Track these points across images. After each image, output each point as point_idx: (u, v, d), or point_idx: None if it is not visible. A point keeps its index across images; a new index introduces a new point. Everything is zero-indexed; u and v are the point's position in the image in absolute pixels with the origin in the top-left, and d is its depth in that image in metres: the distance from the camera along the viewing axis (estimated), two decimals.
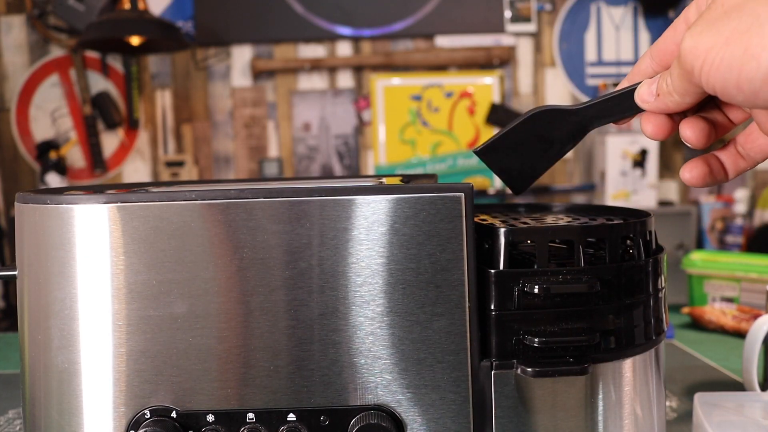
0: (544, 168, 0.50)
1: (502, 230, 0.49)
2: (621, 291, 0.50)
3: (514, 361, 0.48)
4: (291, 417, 0.49)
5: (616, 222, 0.53)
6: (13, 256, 0.51)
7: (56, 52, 2.68)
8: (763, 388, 0.77)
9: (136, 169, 2.72)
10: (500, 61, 2.68)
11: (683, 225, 2.51)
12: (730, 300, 1.21)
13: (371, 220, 0.48)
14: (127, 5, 2.22)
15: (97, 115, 2.67)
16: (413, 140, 2.70)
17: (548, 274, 0.48)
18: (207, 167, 2.71)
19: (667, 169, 2.73)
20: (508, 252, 0.49)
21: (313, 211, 0.48)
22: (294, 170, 2.72)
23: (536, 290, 0.47)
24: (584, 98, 2.72)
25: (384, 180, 0.64)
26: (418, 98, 2.69)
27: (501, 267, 0.49)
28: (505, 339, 0.49)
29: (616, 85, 2.54)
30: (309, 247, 0.48)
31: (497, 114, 2.68)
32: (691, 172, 0.45)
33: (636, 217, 0.57)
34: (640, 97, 0.45)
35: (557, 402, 0.49)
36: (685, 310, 1.18)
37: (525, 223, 0.57)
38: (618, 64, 2.72)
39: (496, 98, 2.69)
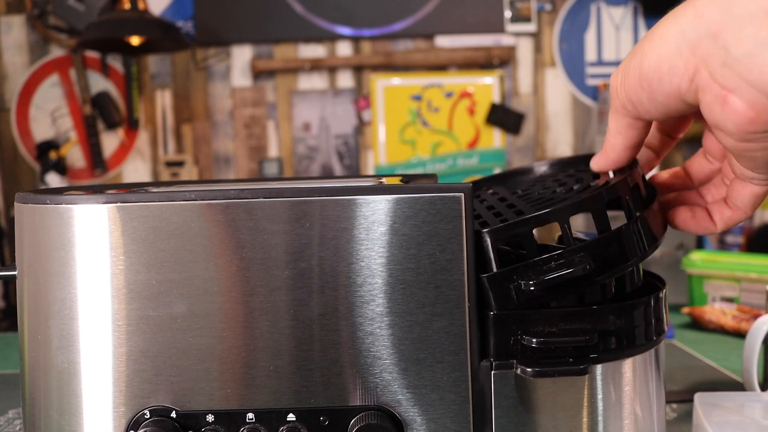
0: None
1: (485, 231, 0.49)
2: (615, 261, 0.49)
3: (514, 361, 0.48)
4: (291, 417, 0.49)
5: (597, 191, 0.50)
6: (13, 256, 0.51)
7: (56, 52, 2.68)
8: (763, 388, 0.77)
9: (136, 169, 2.72)
10: (500, 61, 2.68)
11: None
12: (730, 300, 1.21)
13: (371, 220, 0.48)
14: (127, 5, 2.22)
15: (97, 115, 2.67)
16: (413, 140, 2.70)
17: (539, 264, 0.48)
18: (207, 167, 2.72)
19: (666, 168, 2.73)
20: (496, 252, 0.49)
21: (313, 211, 0.48)
22: (294, 170, 2.72)
23: (531, 285, 0.47)
24: (584, 98, 2.72)
25: (384, 180, 0.64)
26: (418, 98, 2.69)
27: (494, 269, 0.48)
28: (502, 339, 0.48)
29: None
30: (309, 247, 0.48)
31: (497, 114, 2.68)
32: (673, 215, 0.52)
33: (620, 173, 0.53)
34: (592, 164, 0.53)
35: (557, 402, 0.49)
36: (685, 310, 1.18)
37: (512, 205, 0.56)
38: (618, 64, 2.72)
39: (496, 98, 2.69)
